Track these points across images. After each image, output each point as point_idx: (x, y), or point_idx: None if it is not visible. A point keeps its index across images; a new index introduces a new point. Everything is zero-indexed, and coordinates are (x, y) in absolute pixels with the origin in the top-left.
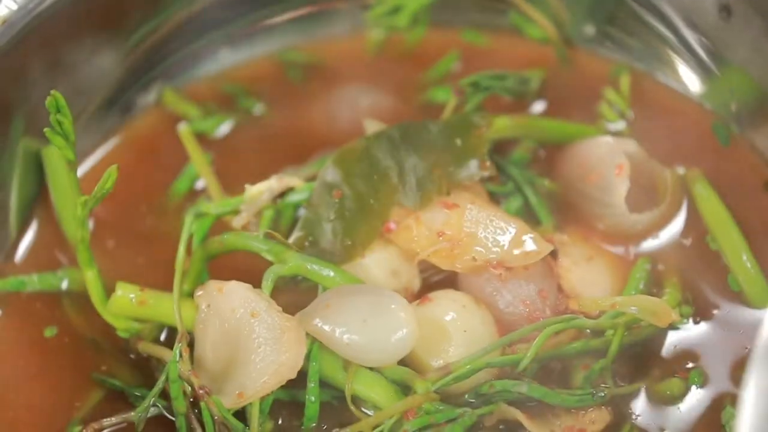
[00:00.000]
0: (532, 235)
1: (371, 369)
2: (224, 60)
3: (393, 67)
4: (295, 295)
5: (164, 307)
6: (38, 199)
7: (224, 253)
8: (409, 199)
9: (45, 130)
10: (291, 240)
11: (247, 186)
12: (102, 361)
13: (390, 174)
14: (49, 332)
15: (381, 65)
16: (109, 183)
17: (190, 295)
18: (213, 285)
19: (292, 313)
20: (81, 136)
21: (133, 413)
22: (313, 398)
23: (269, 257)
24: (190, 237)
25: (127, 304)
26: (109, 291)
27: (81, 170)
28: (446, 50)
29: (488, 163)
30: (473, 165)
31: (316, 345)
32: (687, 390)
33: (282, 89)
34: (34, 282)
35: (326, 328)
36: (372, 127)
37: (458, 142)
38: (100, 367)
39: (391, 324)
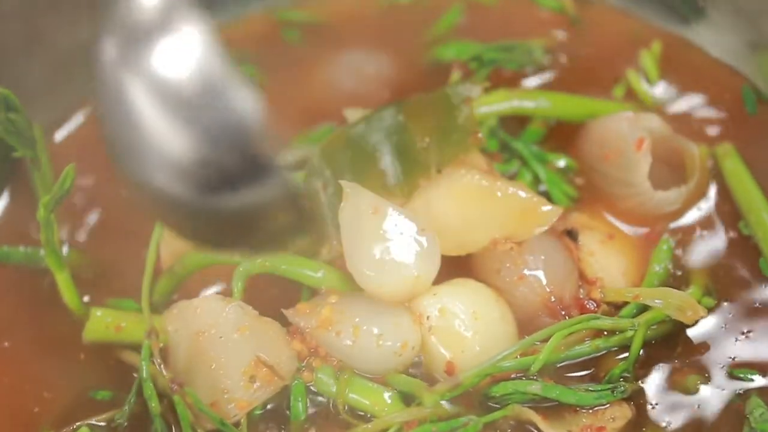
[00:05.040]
0: (537, 200)
1: (369, 377)
2: (213, 20)
3: (397, 27)
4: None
5: (141, 328)
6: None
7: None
8: (397, 184)
9: None
10: None
11: None
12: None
13: (376, 160)
14: None
15: (384, 25)
16: (68, 182)
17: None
18: (180, 306)
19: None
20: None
21: (107, 414)
22: (300, 398)
23: (237, 257)
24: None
25: (103, 330)
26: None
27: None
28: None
29: (480, 135)
30: (464, 138)
31: None
32: (711, 380)
33: (277, 52)
34: (19, 254)
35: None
36: (353, 115)
37: (446, 116)
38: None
39: (389, 335)
